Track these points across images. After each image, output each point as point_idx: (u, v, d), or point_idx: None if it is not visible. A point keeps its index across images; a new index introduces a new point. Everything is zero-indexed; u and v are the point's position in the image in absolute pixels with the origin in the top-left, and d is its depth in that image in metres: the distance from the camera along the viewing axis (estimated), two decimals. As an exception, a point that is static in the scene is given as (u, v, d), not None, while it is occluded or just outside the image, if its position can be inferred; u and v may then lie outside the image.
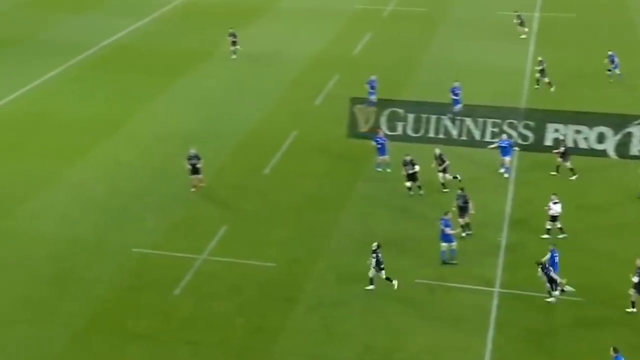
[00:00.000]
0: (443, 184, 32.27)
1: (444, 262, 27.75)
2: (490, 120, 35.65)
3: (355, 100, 37.35)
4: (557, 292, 25.50)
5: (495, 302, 25.89)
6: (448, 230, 27.47)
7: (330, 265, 27.97)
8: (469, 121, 35.85)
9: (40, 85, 45.05)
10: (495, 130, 35.38)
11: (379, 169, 34.18)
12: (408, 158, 31.97)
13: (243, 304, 25.97)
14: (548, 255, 26.00)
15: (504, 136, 34.22)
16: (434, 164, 32.36)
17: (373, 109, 37.04)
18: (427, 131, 36.20)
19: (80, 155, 36.37)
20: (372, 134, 35.49)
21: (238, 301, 26.09)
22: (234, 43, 48.31)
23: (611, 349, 21.97)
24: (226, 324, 24.99)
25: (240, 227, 30.24)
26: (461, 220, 28.92)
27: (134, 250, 28.87)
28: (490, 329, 24.62)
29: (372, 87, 39.79)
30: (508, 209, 31.44)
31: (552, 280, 25.37)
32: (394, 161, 33.88)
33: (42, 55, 49.88)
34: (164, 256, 28.51)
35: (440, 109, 36.71)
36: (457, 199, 29.20)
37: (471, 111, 36.68)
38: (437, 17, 57.05)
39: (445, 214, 27.91)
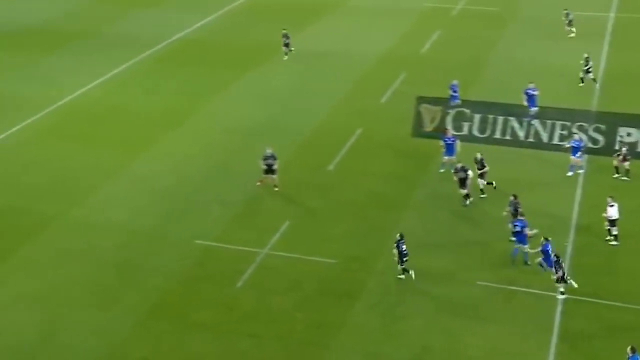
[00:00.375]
0: (482, 190, 31.95)
1: (514, 262, 27.57)
2: (559, 123, 35.11)
3: (421, 99, 37.22)
4: (562, 289, 25.66)
5: (559, 308, 25.58)
6: (527, 231, 27.29)
7: (391, 264, 27.96)
8: (536, 123, 35.41)
9: (111, 78, 46.27)
10: (564, 133, 34.86)
11: (442, 170, 34.06)
12: (459, 165, 31.53)
13: (303, 299, 26.30)
14: (539, 249, 26.31)
15: (576, 136, 33.83)
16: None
17: (439, 108, 36.86)
18: (493, 132, 35.86)
19: (148, 147, 37.27)
20: (437, 133, 35.38)
21: (298, 296, 26.43)
22: (286, 45, 48.30)
23: (629, 348, 21.71)
24: (286, 318, 25.35)
25: (302, 223, 30.58)
26: (511, 226, 28.67)
27: (197, 242, 29.48)
28: (554, 336, 24.34)
29: (455, 91, 38.37)
30: (575, 213, 31.00)
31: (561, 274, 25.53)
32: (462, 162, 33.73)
33: (113, 49, 51.21)
34: (227, 249, 29.04)
35: (508, 109, 36.29)
36: (510, 205, 28.96)
37: (539, 113, 36.22)
38: (507, 16, 56.38)
39: (521, 215, 27.78)
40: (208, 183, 33.95)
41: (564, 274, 25.69)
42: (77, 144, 37.83)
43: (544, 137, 35.28)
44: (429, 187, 33.07)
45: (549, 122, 35.22)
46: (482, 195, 31.93)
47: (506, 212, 28.98)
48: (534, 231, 27.57)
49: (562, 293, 25.89)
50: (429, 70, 46.44)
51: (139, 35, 53.69)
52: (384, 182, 33.68)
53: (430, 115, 36.87)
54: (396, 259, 26.90)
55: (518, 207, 28.81)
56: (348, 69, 47.03)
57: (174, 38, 53.30)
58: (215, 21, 57.28)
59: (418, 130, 36.88)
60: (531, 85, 38.32)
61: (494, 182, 32.30)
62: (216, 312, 25.65)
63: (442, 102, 37.17)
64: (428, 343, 24.12)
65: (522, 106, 37.25)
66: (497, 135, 35.79)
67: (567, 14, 51.29)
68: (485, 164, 32.01)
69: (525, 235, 27.45)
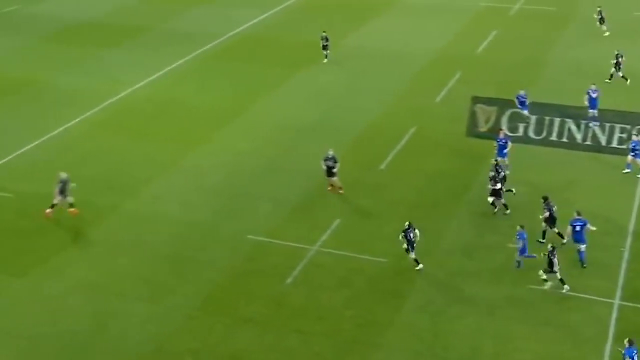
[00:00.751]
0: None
1: (582, 263, 27.38)
2: (618, 126, 34.49)
3: (476, 99, 36.94)
4: (549, 281, 25.93)
5: (614, 314, 25.17)
6: (590, 226, 27.11)
7: (441, 264, 27.96)
8: (595, 125, 34.83)
9: (166, 74, 46.99)
10: (623, 136, 34.22)
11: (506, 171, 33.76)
12: (492, 173, 30.78)
13: (352, 297, 26.37)
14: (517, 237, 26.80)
15: (634, 137, 33.27)
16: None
17: (494, 108, 36.53)
18: (549, 134, 35.41)
19: (201, 142, 37.76)
20: (492, 133, 35.10)
21: (348, 294, 26.51)
22: (325, 47, 47.46)
23: (626, 340, 21.80)
24: (335, 315, 25.45)
25: (353, 221, 30.65)
26: (546, 227, 28.41)
27: (248, 237, 29.79)
28: (608, 343, 23.94)
29: (521, 103, 36.48)
30: (633, 218, 30.43)
31: (550, 264, 25.68)
32: (511, 162, 33.44)
33: (170, 45, 51.97)
34: (278, 245, 29.28)
35: (565, 111, 35.77)
36: (545, 208, 28.51)
37: (598, 115, 35.63)
38: (566, 16, 55.57)
39: (578, 214, 27.47)
40: (260, 179, 34.26)
41: (553, 264, 25.72)
42: (132, 138, 38.53)
43: (602, 140, 34.70)
44: (482, 188, 32.77)
45: (607, 124, 34.63)
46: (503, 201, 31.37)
47: (541, 215, 28.56)
48: (593, 228, 27.51)
49: (545, 281, 26.03)
50: (485, 70, 46.06)
51: (195, 32, 54.37)
52: (436, 182, 33.54)
53: (485, 116, 36.60)
54: (405, 246, 27.02)
55: (552, 209, 28.35)
56: (403, 67, 46.93)
57: (229, 35, 53.85)
58: (270, 18, 57.69)
59: (472, 130, 36.62)
60: (593, 87, 37.66)
61: (513, 189, 31.70)
62: (265, 307, 25.89)
63: (498, 103, 36.79)
64: (477, 344, 23.98)
65: (579, 108, 36.62)
66: (554, 137, 35.34)
67: (600, 11, 50.84)
68: (501, 170, 31.11)
69: (584, 235, 27.10)
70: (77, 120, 40.52)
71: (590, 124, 34.94)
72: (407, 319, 25.18)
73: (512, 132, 35.42)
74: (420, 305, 25.87)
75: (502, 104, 36.79)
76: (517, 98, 36.51)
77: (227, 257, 28.66)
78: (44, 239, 29.87)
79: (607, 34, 50.14)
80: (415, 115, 40.04)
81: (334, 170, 32.23)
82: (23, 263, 28.37)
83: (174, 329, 24.93)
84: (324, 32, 47.75)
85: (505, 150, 33.57)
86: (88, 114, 41.29)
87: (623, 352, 22.01)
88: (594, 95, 37.11)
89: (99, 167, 35.60)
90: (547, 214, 28.49)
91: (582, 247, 27.27)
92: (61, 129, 39.50)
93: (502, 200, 30.78)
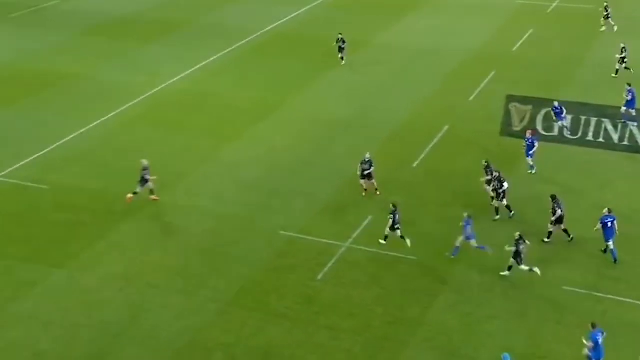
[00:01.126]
0: (492, 198, 30.90)
1: (615, 260, 27.27)
2: (656, 126, 34.07)
3: (511, 98, 36.66)
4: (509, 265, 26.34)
5: (649, 319, 24.89)
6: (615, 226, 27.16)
7: (473, 263, 27.78)
8: (632, 126, 34.35)
9: (203, 68, 47.26)
10: (661, 136, 33.81)
11: (532, 171, 33.45)
12: (497, 174, 30.37)
13: (383, 294, 26.34)
14: (463, 223, 27.30)
15: None
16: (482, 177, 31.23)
17: (529, 107, 36.20)
18: (585, 134, 35.03)
19: (236, 137, 37.94)
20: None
21: (378, 291, 26.48)
22: (341, 49, 46.45)
23: (590, 324, 22.07)
24: (365, 312, 25.45)
25: (385, 218, 30.44)
26: (553, 227, 28.23)
27: (281, 232, 29.88)
28: (645, 347, 23.68)
29: (557, 114, 35.83)
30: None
31: (517, 255, 26.07)
32: (545, 163, 33.12)
33: (206, 39, 52.28)
34: (310, 241, 29.32)
35: (602, 111, 35.37)
36: (554, 206, 28.27)
37: (636, 115, 35.12)
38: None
39: (609, 211, 27.32)
40: (294, 175, 34.32)
41: (520, 254, 26.04)
42: (169, 131, 38.83)
43: (640, 140, 34.27)
44: (516, 188, 32.48)
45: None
46: (492, 203, 31.00)
47: (554, 217, 28.31)
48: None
49: (509, 268, 26.38)
50: (520, 68, 45.65)
51: (232, 27, 54.61)
52: (468, 181, 33.27)
53: (520, 115, 36.29)
54: (388, 227, 27.96)
55: (557, 208, 28.16)
56: (437, 65, 46.68)
57: (264, 30, 53.98)
58: (307, 14, 57.72)
59: (507, 130, 36.32)
60: (628, 87, 37.16)
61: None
62: (296, 302, 25.96)
63: (533, 101, 36.47)
64: (508, 345, 23.78)
65: (617, 108, 36.17)
66: (590, 137, 34.95)
67: (606, 7, 51.01)
68: (489, 171, 30.84)
69: (614, 231, 26.91)
70: (114, 113, 40.93)
71: (629, 124, 34.46)
72: (438, 318, 25.09)
73: (547, 132, 35.14)
74: (450, 304, 25.76)
75: (538, 103, 36.47)
76: (553, 110, 35.89)
77: (260, 252, 28.77)
78: (80, 231, 30.24)
79: (603, 29, 50.63)
80: (449, 114, 39.81)
81: (366, 172, 31.86)
82: (60, 254, 28.76)
83: (206, 323, 25.10)
84: (340, 34, 46.69)
85: (532, 151, 33.27)
86: (125, 107, 41.69)
87: (589, 335, 22.10)
88: (631, 95, 36.57)
89: (135, 160, 35.72)
90: (559, 211, 28.22)
91: (611, 243, 27.10)
92: (99, 121, 39.92)
93: (504, 203, 30.39)
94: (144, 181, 31.52)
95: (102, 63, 48.22)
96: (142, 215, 31.31)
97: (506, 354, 21.68)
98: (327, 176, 33.87)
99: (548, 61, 46.28)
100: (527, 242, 26.45)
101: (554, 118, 35.77)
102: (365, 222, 30.28)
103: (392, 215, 28.04)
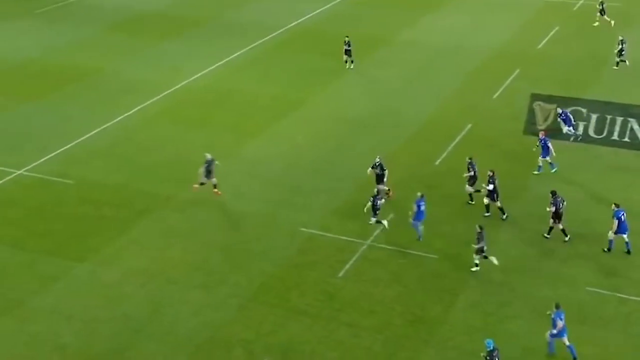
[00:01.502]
0: (470, 195, 30.88)
1: (629, 251, 27.25)
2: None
3: (535, 96, 36.33)
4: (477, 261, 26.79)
5: (675, 319, 24.53)
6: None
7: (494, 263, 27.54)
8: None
9: (226, 64, 47.31)
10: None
11: (553, 169, 33.12)
12: (490, 173, 30.02)
13: (404, 292, 26.19)
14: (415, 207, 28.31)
15: None
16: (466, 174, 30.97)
17: (554, 106, 35.82)
18: (610, 133, 34.62)
19: (259, 133, 37.93)
20: (551, 132, 34.43)
21: (399, 290, 26.33)
22: (347, 52, 45.08)
23: (554, 304, 22.71)
24: (386, 310, 25.32)
25: (406, 217, 30.35)
26: (553, 224, 28.13)
27: (302, 229, 29.81)
28: (668, 349, 23.35)
29: (565, 121, 35.28)
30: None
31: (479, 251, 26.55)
32: (568, 162, 32.75)
33: (229, 35, 52.33)
34: (331, 238, 29.23)
35: (628, 110, 34.96)
36: (552, 203, 28.07)
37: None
38: (633, 12, 54.10)
39: (617, 205, 27.21)
40: (316, 172, 34.23)
41: (482, 248, 26.31)
42: (191, 127, 38.91)
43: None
44: (538, 186, 32.19)
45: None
46: (470, 202, 30.79)
47: (549, 209, 28.24)
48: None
49: (477, 265, 26.64)
50: (545, 66, 45.20)
51: (255, 23, 54.60)
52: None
53: (544, 113, 35.95)
54: (369, 210, 28.69)
55: (559, 204, 27.97)
56: (460, 63, 46.36)
57: (288, 26, 53.92)
58: (330, 10, 57.57)
59: (531, 128, 35.98)
60: None
61: (481, 190, 30.82)
62: (317, 300, 25.88)
63: (558, 100, 36.10)
64: (530, 346, 23.56)
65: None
66: (615, 136, 34.53)
67: (602, 2, 51.38)
68: (472, 168, 30.60)
69: (626, 225, 26.91)
70: (137, 108, 41.10)
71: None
72: (459, 317, 24.89)
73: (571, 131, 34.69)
74: (472, 303, 25.55)
75: (562, 102, 36.10)
76: (559, 116, 35.31)
77: (280, 249, 28.73)
78: (102, 226, 30.39)
79: (596, 24, 51.15)
80: (472, 112, 39.52)
81: (383, 177, 31.32)
82: (82, 248, 28.92)
83: (226, 319, 25.10)
84: (346, 37, 45.48)
85: (547, 151, 32.91)
86: (148, 102, 41.85)
87: (552, 315, 22.66)
88: None
89: (157, 156, 36.05)
90: (553, 208, 28.07)
91: (625, 236, 27.25)
92: (122, 117, 40.11)
93: (497, 204, 30.06)
94: (208, 173, 31.72)
95: (125, 59, 48.43)
96: (163, 211, 31.39)
97: (489, 340, 21.85)
98: (349, 174, 33.73)
99: (573, 59, 45.81)
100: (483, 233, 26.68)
101: (561, 125, 35.17)
102: (387, 220, 30.10)
103: (372, 199, 28.69)
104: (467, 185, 30.80)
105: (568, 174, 32.87)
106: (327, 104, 41.43)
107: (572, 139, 34.72)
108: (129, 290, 26.59)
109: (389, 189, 31.78)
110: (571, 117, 35.03)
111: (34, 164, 35.25)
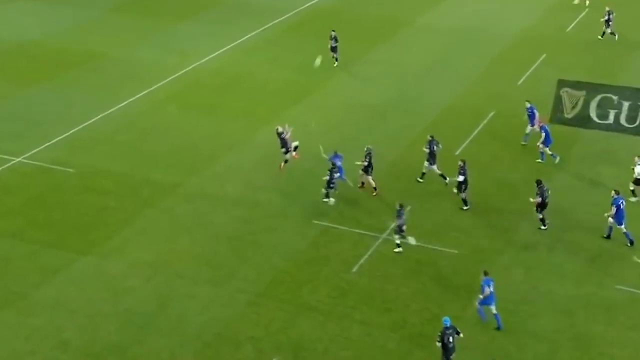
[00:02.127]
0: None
1: (632, 241, 27.55)
2: None
3: (562, 83, 36.03)
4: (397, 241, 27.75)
5: None
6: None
7: (517, 258, 27.59)
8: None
9: (236, 47, 47.38)
10: None
11: (556, 159, 33.22)
12: (461, 163, 30.02)
13: (420, 289, 26.28)
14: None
15: None
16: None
17: (582, 93, 35.56)
18: (644, 121, 34.32)
19: (270, 119, 37.90)
20: (579, 121, 34.31)
21: (415, 286, 26.42)
22: (333, 49, 43.48)
23: (482, 271, 23.92)
24: (402, 308, 25.41)
25: (424, 210, 30.43)
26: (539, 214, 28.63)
27: (315, 222, 29.92)
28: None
29: (529, 117, 34.81)
30: None
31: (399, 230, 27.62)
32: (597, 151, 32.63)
33: (240, 17, 52.38)
34: (345, 231, 29.33)
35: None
36: (538, 194, 28.52)
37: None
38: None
39: (617, 192, 27.58)
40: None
41: (401, 226, 27.35)
42: (199, 113, 39.06)
43: (703, 128, 33.50)
44: (564, 178, 32.12)
45: None
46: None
47: (532, 199, 28.64)
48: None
49: (398, 246, 27.67)
50: (573, 51, 45.02)
51: (266, 5, 54.58)
52: (514, 171, 33.04)
53: (571, 101, 35.68)
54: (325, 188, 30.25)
55: (544, 194, 28.35)
56: (483, 47, 46.23)
57: (301, 8, 53.89)
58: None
59: (557, 116, 35.76)
60: None
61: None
62: (329, 296, 26.01)
63: (586, 87, 35.83)
64: (554, 347, 23.62)
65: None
66: (649, 125, 34.25)
67: None
68: (432, 148, 31.35)
69: (624, 213, 27.20)
70: (143, 93, 41.28)
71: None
72: (478, 315, 24.93)
73: (601, 119, 34.46)
74: (492, 301, 25.61)
75: (592, 89, 35.76)
76: (527, 110, 34.92)
77: (292, 242, 28.86)
78: (106, 216, 30.62)
79: (576, 2, 52.52)
80: (496, 99, 39.44)
81: (370, 168, 31.44)
82: (86, 240, 29.16)
83: (234, 315, 25.28)
84: (333, 31, 43.98)
85: (548, 140, 33.03)
86: (154, 87, 42.01)
87: (481, 282, 23.86)
88: None
89: (163, 143, 36.21)
90: (539, 199, 28.30)
91: (623, 227, 27.55)
92: (126, 102, 40.30)
93: (463, 195, 30.31)
94: (285, 144, 32.36)
95: (132, 41, 48.60)
96: (169, 201, 31.58)
97: (447, 318, 22.32)
98: (364, 163, 33.73)
99: (603, 44, 45.55)
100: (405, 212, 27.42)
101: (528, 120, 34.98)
102: (333, 199, 30.32)
103: (329, 173, 29.94)
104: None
105: (595, 164, 32.73)
106: (342, 90, 41.45)
107: (526, 138, 34.75)
108: (134, 284, 26.82)
109: (375, 187, 31.49)
110: (536, 113, 34.80)
111: (35, 150, 35.50)
